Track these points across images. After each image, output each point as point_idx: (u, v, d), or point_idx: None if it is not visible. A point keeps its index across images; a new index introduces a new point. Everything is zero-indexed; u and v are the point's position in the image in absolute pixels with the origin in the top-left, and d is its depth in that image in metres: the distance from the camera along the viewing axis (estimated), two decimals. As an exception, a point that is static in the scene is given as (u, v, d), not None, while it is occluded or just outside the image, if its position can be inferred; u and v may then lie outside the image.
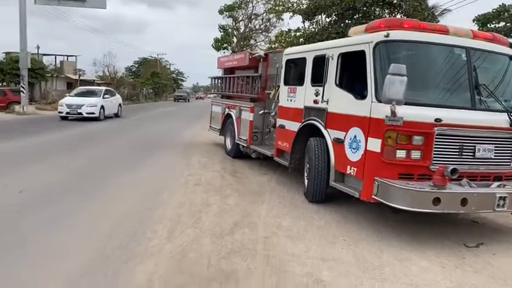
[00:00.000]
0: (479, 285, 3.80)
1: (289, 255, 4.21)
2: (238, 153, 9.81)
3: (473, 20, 20.20)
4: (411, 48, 5.15)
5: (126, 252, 4.04)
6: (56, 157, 9.15)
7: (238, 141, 9.52)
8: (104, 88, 22.42)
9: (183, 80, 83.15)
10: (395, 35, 4.98)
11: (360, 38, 5.45)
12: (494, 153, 5.09)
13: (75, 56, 48.00)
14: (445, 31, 5.24)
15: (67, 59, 47.15)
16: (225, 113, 10.58)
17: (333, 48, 6.00)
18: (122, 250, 4.07)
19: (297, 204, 6.17)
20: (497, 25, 19.85)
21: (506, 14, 19.17)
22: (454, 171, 4.54)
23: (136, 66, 68.05)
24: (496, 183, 5.06)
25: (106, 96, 20.48)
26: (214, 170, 8.46)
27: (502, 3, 19.27)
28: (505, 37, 5.82)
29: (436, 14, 21.32)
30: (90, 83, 42.89)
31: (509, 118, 5.15)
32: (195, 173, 7.99)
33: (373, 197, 4.91)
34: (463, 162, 4.91)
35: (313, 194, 6.20)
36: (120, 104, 22.39)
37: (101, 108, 19.21)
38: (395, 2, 20.38)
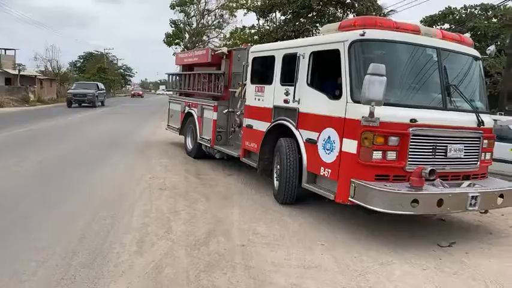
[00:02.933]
0: None
1: (270, 265, 3.99)
2: (200, 154, 9.44)
3: (421, 21, 21.05)
4: (386, 47, 5.08)
5: (93, 270, 3.62)
6: None
7: (200, 141, 9.16)
8: None
9: (131, 76, 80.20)
10: (371, 34, 4.89)
11: (334, 37, 5.32)
12: (464, 152, 5.17)
13: (14, 49, 44.69)
14: (416, 31, 5.24)
15: (5, 53, 43.75)
16: (185, 111, 10.15)
17: (304, 46, 5.84)
18: (88, 268, 3.65)
19: (268, 207, 5.97)
20: (442, 26, 20.80)
21: (451, 16, 20.15)
22: (432, 172, 4.54)
23: (82, 61, 64.87)
24: (466, 183, 5.15)
25: None
26: (177, 172, 8.05)
27: (448, 6, 20.26)
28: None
29: (384, 14, 22.05)
30: (31, 78, 40.21)
31: (477, 118, 5.26)
32: (157, 176, 7.55)
33: (349, 199, 4.81)
34: (436, 162, 4.94)
35: (284, 196, 6.04)
36: None
37: None
38: (348, 1, 20.81)
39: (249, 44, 8.91)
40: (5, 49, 44.31)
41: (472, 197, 4.74)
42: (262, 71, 7.02)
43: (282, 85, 6.25)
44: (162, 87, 67.79)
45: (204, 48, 12.17)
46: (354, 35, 4.94)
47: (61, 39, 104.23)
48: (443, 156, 5.00)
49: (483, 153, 5.41)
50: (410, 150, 4.79)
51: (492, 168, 6.00)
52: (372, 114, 4.51)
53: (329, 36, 5.52)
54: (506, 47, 15.07)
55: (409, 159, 4.79)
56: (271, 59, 6.59)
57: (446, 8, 20.26)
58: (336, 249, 4.54)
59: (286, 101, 6.09)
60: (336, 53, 5.13)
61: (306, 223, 5.37)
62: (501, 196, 5.09)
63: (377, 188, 4.51)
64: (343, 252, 4.44)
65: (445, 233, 5.31)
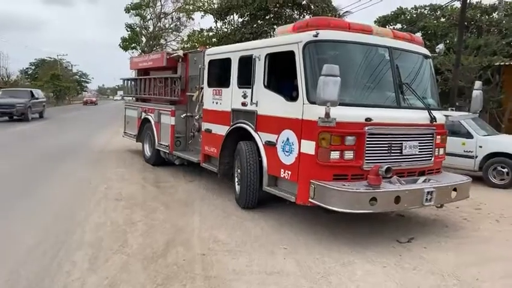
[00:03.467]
0: (422, 283, 3.85)
1: (231, 273, 3.89)
2: (159, 160, 9.18)
3: (375, 21, 21.63)
4: (339, 48, 5.11)
5: (39, 293, 3.38)
6: None
7: (158, 148, 8.91)
8: None
9: (87, 82, 77.41)
10: (325, 34, 4.91)
11: (288, 38, 5.30)
12: (419, 149, 5.29)
13: (-43, 57, 42.09)
14: (369, 31, 5.30)
15: None
16: (142, 117, 9.85)
17: (259, 48, 5.78)
18: (34, 291, 3.40)
19: (230, 212, 5.86)
20: (394, 26, 21.47)
21: (402, 16, 20.83)
22: (388, 170, 4.60)
23: (34, 68, 62.01)
24: (422, 179, 5.27)
25: None
26: (134, 181, 7.76)
27: (400, 6, 20.94)
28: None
29: (340, 15, 22.51)
30: (-22, 87, 37.96)
31: (430, 115, 5.39)
32: (113, 186, 7.24)
33: (310, 200, 4.79)
34: (392, 159, 5.01)
35: (246, 200, 5.95)
36: None
37: None
38: (304, 3, 21.07)
39: (206, 47, 8.75)
40: None
41: (428, 192, 4.85)
42: (219, 74, 6.90)
43: (240, 88, 6.17)
44: (120, 92, 65.24)
45: (159, 52, 11.88)
46: (308, 36, 4.93)
47: (9, 46, 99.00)
48: (399, 154, 5.09)
49: (437, 149, 5.56)
50: (366, 149, 4.84)
51: (445, 162, 6.19)
52: (327, 114, 4.50)
53: (283, 38, 5.49)
54: (454, 45, 15.75)
55: (366, 158, 4.83)
56: (228, 61, 6.49)
57: (398, 8, 21.04)
58: (298, 252, 4.50)
59: (244, 104, 6.01)
60: (290, 54, 5.11)
61: (268, 227, 5.31)
62: (455, 190, 5.25)
63: (335, 188, 4.51)
64: (306, 255, 4.41)
65: (403, 229, 5.41)
